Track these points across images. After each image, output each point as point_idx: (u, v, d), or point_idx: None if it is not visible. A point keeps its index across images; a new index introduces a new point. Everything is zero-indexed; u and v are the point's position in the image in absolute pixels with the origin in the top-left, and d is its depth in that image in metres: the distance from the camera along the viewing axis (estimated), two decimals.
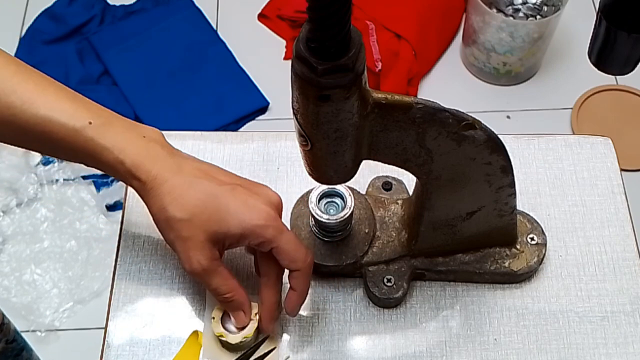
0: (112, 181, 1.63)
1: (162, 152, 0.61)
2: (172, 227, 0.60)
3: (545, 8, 1.78)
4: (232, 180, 0.62)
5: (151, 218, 0.62)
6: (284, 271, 0.64)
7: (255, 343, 0.65)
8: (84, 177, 1.66)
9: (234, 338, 0.64)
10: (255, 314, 0.64)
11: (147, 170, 0.59)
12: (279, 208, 0.63)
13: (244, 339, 0.64)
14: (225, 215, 0.59)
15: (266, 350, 0.65)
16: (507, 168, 0.61)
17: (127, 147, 0.60)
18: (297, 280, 0.63)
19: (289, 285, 0.63)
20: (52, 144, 0.60)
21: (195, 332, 0.67)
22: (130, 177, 0.60)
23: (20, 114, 0.58)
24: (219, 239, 0.60)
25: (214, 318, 0.65)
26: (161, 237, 0.62)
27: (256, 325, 0.64)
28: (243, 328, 0.64)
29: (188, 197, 0.59)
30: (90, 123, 0.59)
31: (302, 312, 0.69)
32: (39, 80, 0.60)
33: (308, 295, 0.70)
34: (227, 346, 0.65)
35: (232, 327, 0.65)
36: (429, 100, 0.54)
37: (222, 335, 0.64)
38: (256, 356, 0.65)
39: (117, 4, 1.97)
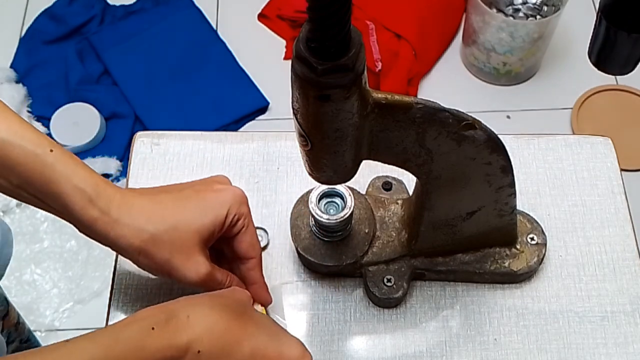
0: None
1: (118, 186, 0.60)
2: (161, 243, 0.58)
3: (545, 8, 1.78)
4: (188, 184, 0.63)
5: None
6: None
7: None
8: None
9: None
10: None
11: (109, 198, 0.57)
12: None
13: None
14: (206, 205, 0.60)
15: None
16: (507, 168, 0.61)
17: (87, 177, 0.57)
18: (254, 270, 0.64)
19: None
20: (7, 169, 0.57)
21: None
22: (90, 207, 0.56)
23: None
24: (210, 231, 0.60)
25: None
26: None
27: None
28: None
29: (161, 210, 0.59)
30: (51, 151, 0.57)
31: (302, 312, 0.69)
32: (2, 108, 0.58)
33: (308, 295, 0.70)
34: None
35: None
36: (429, 100, 0.54)
37: None
38: None
39: (117, 4, 1.97)
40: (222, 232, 0.62)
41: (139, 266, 0.60)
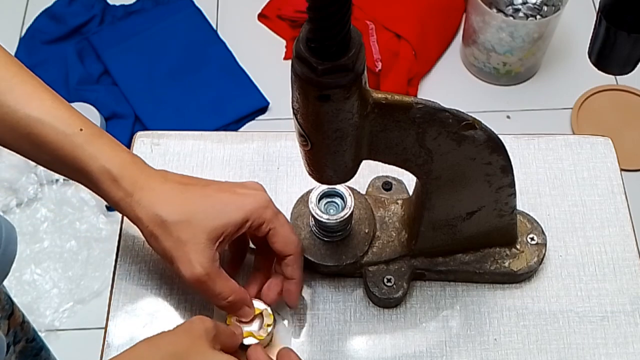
0: None
1: (146, 166, 0.62)
2: (170, 232, 0.59)
3: (545, 8, 1.78)
4: (215, 182, 0.64)
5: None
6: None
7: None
8: None
9: (247, 340, 0.63)
10: (268, 325, 0.64)
11: (133, 180, 0.60)
12: (266, 192, 0.64)
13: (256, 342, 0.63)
14: (223, 207, 0.61)
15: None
16: (507, 168, 0.61)
17: (114, 157, 0.60)
18: (292, 267, 0.64)
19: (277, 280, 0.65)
20: (38, 146, 0.60)
21: None
22: (115, 188, 0.59)
23: (12, 113, 0.59)
24: (219, 234, 0.60)
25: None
26: None
27: (267, 333, 0.64)
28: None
29: (181, 200, 0.60)
30: (81, 130, 0.60)
31: (302, 312, 0.69)
32: (37, 84, 0.61)
33: (308, 295, 0.70)
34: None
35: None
36: (429, 100, 0.54)
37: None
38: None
39: (117, 4, 1.97)
40: (248, 234, 0.63)
41: (152, 247, 0.62)
